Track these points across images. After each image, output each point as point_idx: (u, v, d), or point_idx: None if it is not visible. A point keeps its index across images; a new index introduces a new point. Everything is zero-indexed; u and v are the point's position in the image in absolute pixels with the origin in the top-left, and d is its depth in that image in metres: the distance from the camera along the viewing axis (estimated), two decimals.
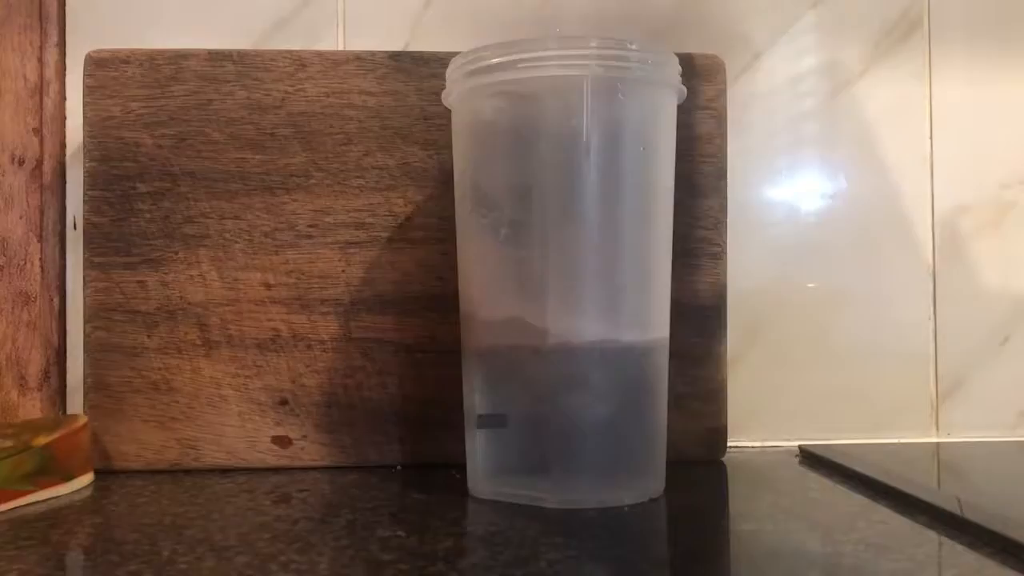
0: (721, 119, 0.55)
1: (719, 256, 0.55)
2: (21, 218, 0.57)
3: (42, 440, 0.46)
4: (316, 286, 0.53)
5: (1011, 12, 0.62)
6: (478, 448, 0.45)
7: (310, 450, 0.52)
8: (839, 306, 0.61)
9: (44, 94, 0.57)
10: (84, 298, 0.52)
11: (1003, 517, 0.38)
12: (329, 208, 0.53)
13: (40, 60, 0.57)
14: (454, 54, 0.45)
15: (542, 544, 0.36)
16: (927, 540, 0.37)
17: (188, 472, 0.51)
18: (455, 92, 0.45)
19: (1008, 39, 0.62)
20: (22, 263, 0.57)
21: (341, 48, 0.59)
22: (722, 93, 0.55)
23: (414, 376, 0.53)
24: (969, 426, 0.61)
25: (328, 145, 0.53)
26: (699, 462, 0.53)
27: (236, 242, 0.53)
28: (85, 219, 0.52)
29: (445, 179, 0.53)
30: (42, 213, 0.57)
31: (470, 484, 0.45)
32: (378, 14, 0.60)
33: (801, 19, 0.62)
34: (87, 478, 0.48)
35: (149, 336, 0.52)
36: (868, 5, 0.62)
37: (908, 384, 0.61)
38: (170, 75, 0.53)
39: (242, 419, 0.52)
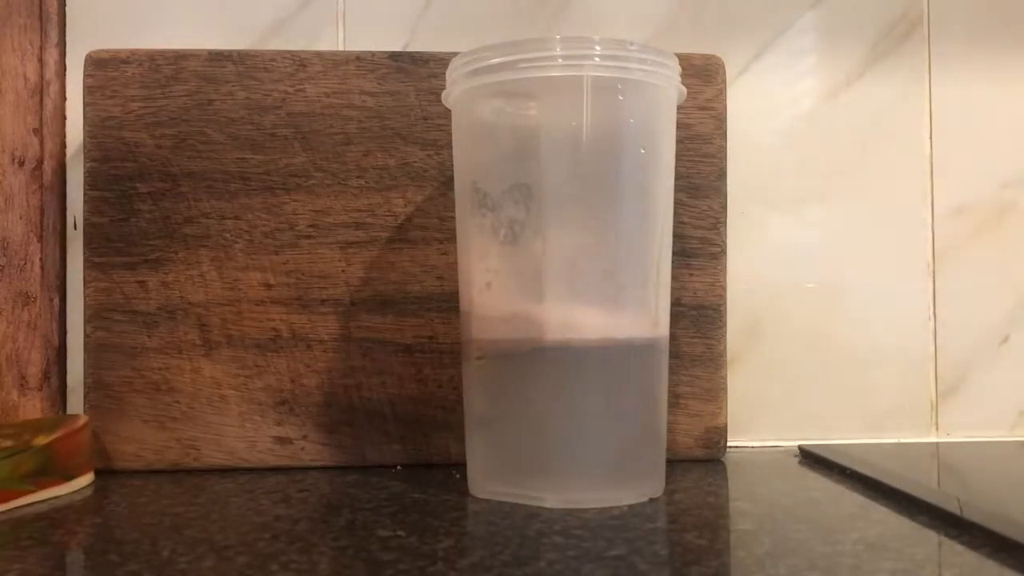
0: (721, 119, 0.55)
1: (719, 256, 0.55)
2: (21, 218, 0.57)
3: (42, 440, 0.46)
4: (316, 286, 0.53)
5: (1011, 12, 0.62)
6: (478, 448, 0.45)
7: (310, 450, 0.52)
8: (839, 306, 0.61)
9: (44, 94, 0.57)
10: (84, 298, 0.52)
11: (1003, 517, 0.38)
12: (329, 208, 0.53)
13: (40, 60, 0.57)
14: (454, 54, 0.45)
15: (542, 544, 0.36)
16: (927, 540, 0.37)
17: (188, 472, 0.51)
18: (455, 92, 0.45)
19: (1008, 39, 0.62)
20: (22, 263, 0.57)
21: (341, 48, 0.59)
22: (722, 93, 0.55)
23: (414, 376, 0.53)
24: (969, 426, 0.61)
25: (328, 145, 0.53)
26: (699, 462, 0.53)
27: (236, 242, 0.53)
28: (85, 219, 0.52)
29: (445, 179, 0.53)
30: (42, 213, 0.57)
31: (470, 484, 0.45)
32: (378, 14, 0.60)
33: (801, 19, 0.62)
34: (87, 478, 0.48)
35: (149, 336, 0.52)
36: (868, 5, 0.62)
37: (907, 384, 0.61)
38: (170, 75, 0.53)
39: (242, 419, 0.52)
